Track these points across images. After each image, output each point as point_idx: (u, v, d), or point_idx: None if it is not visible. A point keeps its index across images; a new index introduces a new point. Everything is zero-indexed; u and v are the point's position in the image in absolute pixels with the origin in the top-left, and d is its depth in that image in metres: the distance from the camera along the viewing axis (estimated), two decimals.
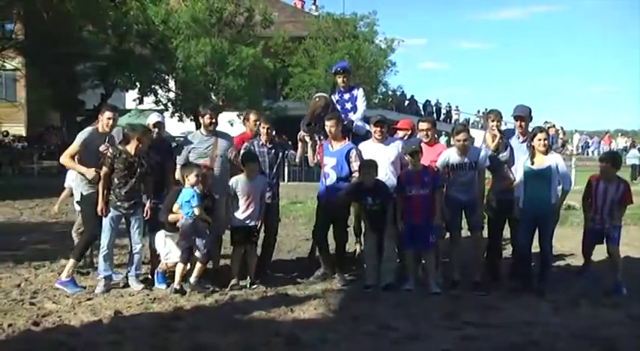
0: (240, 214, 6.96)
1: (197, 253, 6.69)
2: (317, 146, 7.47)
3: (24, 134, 29.08)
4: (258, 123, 7.64)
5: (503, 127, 7.72)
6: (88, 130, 7.16)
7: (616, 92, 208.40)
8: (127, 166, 6.70)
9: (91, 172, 6.69)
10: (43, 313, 5.78)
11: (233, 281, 6.92)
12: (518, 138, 7.25)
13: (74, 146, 6.89)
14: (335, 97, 8.00)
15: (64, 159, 6.90)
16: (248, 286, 6.94)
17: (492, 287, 6.92)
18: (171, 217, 6.68)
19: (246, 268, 7.08)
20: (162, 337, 5.15)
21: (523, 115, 7.23)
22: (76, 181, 7.13)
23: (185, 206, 6.59)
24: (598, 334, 5.27)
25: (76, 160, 6.86)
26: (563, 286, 7.09)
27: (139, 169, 6.75)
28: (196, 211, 6.55)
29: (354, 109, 7.89)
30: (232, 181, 6.96)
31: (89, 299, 6.37)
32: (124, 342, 5.02)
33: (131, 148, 6.70)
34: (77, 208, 7.35)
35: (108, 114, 7.08)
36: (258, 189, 7.02)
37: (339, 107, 7.89)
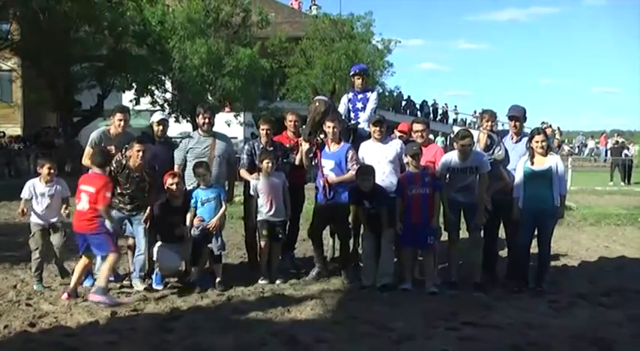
0: (264, 213, 7.07)
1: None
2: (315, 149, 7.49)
3: (20, 135, 29.01)
4: (296, 123, 7.75)
5: (500, 128, 7.71)
6: (98, 131, 7.25)
7: (616, 93, 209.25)
8: (129, 181, 6.70)
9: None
10: (40, 315, 5.77)
11: (261, 280, 7.06)
12: (512, 138, 7.28)
13: (87, 148, 7.13)
14: (349, 96, 8.07)
15: (84, 161, 7.10)
16: (272, 281, 7.06)
17: (490, 288, 6.92)
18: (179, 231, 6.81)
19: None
20: (159, 338, 5.14)
21: (518, 115, 7.24)
22: None
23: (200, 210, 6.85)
24: (596, 334, 5.26)
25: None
26: (560, 287, 7.10)
27: (140, 184, 6.76)
28: (212, 223, 6.81)
29: (364, 110, 7.89)
30: (252, 183, 7.08)
31: (86, 300, 6.35)
32: (120, 342, 5.01)
33: (133, 162, 6.69)
34: None
35: (119, 115, 7.12)
36: (276, 186, 7.07)
37: (350, 106, 7.97)
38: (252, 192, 7.11)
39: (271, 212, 7.06)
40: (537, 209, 6.72)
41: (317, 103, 7.38)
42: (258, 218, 7.10)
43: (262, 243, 7.18)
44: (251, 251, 7.78)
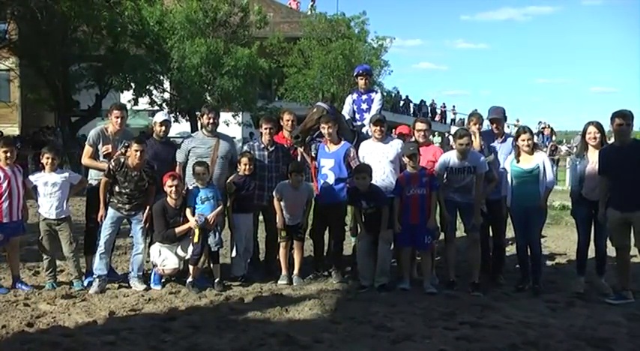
0: (285, 216, 7.13)
1: (188, 256, 6.82)
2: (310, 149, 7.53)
3: (18, 134, 28.92)
4: (293, 123, 7.76)
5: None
6: (96, 129, 7.26)
7: (614, 93, 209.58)
8: (128, 180, 6.70)
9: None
10: (37, 314, 5.77)
11: (283, 279, 7.14)
12: (496, 138, 7.36)
13: (86, 147, 7.13)
14: (353, 97, 8.14)
15: (84, 160, 7.17)
16: (294, 281, 7.13)
17: (488, 287, 6.92)
18: (179, 230, 6.80)
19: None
20: (157, 338, 5.14)
21: (498, 117, 7.38)
22: (90, 174, 7.28)
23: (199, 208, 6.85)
24: (594, 334, 5.28)
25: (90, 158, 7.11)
26: (558, 286, 7.11)
27: (139, 183, 6.75)
28: (210, 216, 6.79)
29: (369, 111, 7.94)
30: (278, 187, 7.10)
31: (83, 300, 6.36)
32: (118, 343, 5.00)
33: (132, 161, 6.68)
34: None
35: (116, 112, 7.12)
36: (303, 198, 7.20)
37: (355, 107, 8.05)
38: (274, 194, 7.10)
39: (290, 217, 7.16)
40: (526, 207, 6.78)
41: (314, 109, 7.48)
42: (278, 222, 7.17)
43: (283, 244, 7.26)
44: (271, 250, 7.69)
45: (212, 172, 7.04)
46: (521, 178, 6.81)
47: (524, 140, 6.82)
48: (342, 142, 7.23)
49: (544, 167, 6.81)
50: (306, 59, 28.51)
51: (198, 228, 6.72)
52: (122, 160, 6.72)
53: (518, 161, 6.86)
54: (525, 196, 6.78)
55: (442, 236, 7.15)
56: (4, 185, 6.57)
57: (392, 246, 7.05)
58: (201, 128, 7.45)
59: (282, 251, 7.27)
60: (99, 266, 6.75)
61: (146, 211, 6.84)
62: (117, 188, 6.76)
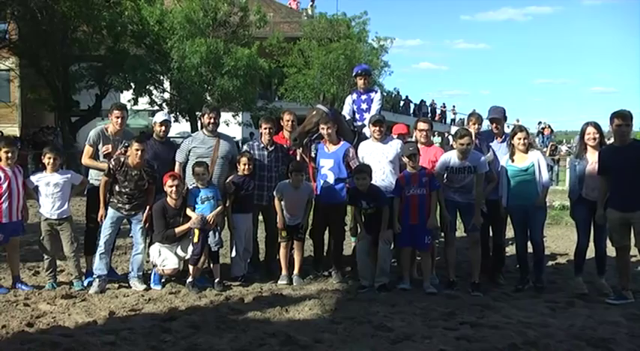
0: (285, 216, 7.15)
1: (188, 256, 6.83)
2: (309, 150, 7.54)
3: (18, 135, 28.92)
4: (293, 123, 7.75)
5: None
6: (96, 129, 7.26)
7: (614, 93, 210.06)
8: (128, 179, 6.70)
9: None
10: (37, 314, 5.78)
11: (283, 279, 7.15)
12: (496, 138, 7.39)
13: (86, 147, 7.14)
14: (353, 97, 8.17)
15: (84, 160, 7.17)
16: (294, 281, 7.14)
17: (489, 287, 6.92)
18: (179, 230, 6.80)
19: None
20: (157, 338, 5.14)
21: (498, 117, 7.41)
22: (90, 175, 7.30)
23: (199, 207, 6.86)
24: (594, 334, 5.28)
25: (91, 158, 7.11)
26: (558, 286, 7.11)
27: (139, 182, 6.75)
28: (210, 217, 6.79)
29: (369, 110, 7.96)
30: (278, 187, 7.10)
31: (83, 300, 6.36)
32: (118, 343, 5.00)
33: (132, 161, 6.68)
34: None
35: (116, 112, 7.14)
36: (304, 197, 7.19)
37: (355, 107, 8.07)
38: (275, 193, 7.12)
39: (290, 217, 7.17)
40: (525, 206, 6.80)
41: (314, 112, 7.47)
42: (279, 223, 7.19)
43: (284, 244, 7.27)
44: (271, 250, 7.70)
45: (212, 172, 7.05)
46: (517, 177, 6.84)
47: (520, 138, 6.85)
48: (342, 143, 7.24)
49: (539, 165, 6.82)
50: (306, 59, 28.49)
51: (198, 228, 6.72)
52: (122, 159, 6.73)
53: (512, 160, 6.88)
54: (522, 195, 6.80)
55: (442, 236, 7.16)
56: (5, 186, 6.59)
57: (392, 246, 7.06)
58: (202, 128, 7.45)
59: (282, 251, 7.27)
60: (99, 266, 6.76)
61: (146, 211, 6.85)
62: (117, 188, 6.77)
